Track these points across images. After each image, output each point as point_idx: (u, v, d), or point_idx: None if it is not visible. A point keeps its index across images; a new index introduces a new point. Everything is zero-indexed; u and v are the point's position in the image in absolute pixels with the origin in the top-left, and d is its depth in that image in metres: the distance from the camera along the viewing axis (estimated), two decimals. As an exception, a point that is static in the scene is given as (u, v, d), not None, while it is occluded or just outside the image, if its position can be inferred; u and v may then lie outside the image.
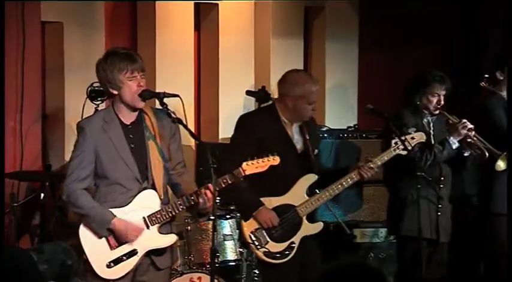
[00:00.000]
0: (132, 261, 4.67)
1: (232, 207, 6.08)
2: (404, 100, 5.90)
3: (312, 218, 5.51)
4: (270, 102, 5.83)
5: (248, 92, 6.66)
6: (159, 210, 4.71)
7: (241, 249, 5.97)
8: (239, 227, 5.98)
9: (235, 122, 7.38)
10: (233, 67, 7.34)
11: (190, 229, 5.95)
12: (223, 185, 4.77)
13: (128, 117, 4.72)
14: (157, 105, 4.85)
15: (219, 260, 5.81)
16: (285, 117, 5.48)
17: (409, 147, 5.48)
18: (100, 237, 4.66)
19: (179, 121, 4.74)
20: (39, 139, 6.55)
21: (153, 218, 4.70)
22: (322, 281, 2.83)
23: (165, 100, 4.79)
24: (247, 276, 6.04)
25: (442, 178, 5.79)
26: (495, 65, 6.20)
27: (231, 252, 5.98)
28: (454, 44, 8.04)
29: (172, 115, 4.74)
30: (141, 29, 7.06)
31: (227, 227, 5.99)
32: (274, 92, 6.48)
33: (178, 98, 4.80)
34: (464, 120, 5.79)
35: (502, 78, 6.13)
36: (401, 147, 5.47)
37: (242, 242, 5.54)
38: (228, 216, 6.00)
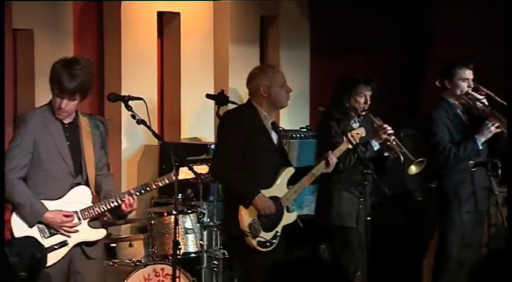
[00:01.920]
0: (63, 251, 4.66)
1: (193, 203, 6.09)
2: (333, 103, 5.90)
3: (287, 208, 5.52)
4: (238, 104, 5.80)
5: (208, 95, 6.65)
6: (91, 206, 4.70)
7: (201, 242, 5.98)
8: (200, 221, 5.99)
9: (196, 123, 7.41)
10: (194, 72, 7.33)
11: (154, 223, 5.94)
12: (161, 184, 4.79)
13: (66, 118, 4.70)
14: (123, 107, 4.85)
15: (181, 252, 5.81)
16: (264, 110, 5.40)
17: (354, 142, 5.51)
18: (31, 227, 4.61)
19: (143, 122, 4.73)
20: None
21: (85, 213, 4.69)
22: (277, 273, 2.81)
23: (130, 103, 4.79)
24: (207, 266, 6.06)
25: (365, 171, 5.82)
26: (444, 74, 6.20)
27: (192, 244, 5.98)
28: (398, 50, 8.10)
29: (137, 116, 4.74)
30: (107, 36, 7.02)
31: (188, 221, 6.00)
32: (232, 96, 6.51)
33: (142, 101, 4.81)
34: (386, 125, 5.79)
35: (449, 86, 6.12)
36: (351, 141, 5.52)
37: (235, 231, 5.33)
38: (189, 211, 6.01)
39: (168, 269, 5.67)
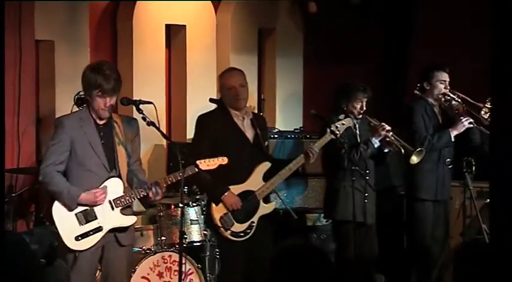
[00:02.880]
0: (98, 236, 4.77)
1: (197, 197, 6.10)
2: (333, 107, 5.96)
3: (266, 200, 5.53)
4: None
5: (211, 100, 6.65)
6: (122, 195, 4.79)
7: (205, 232, 5.99)
8: (203, 213, 6.00)
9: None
10: (198, 79, 7.35)
11: (162, 215, 5.96)
12: (175, 180, 4.84)
13: (100, 119, 4.79)
14: (134, 111, 4.87)
15: (187, 241, 5.83)
16: (231, 109, 5.45)
17: (338, 133, 5.53)
18: (70, 210, 4.72)
19: (152, 124, 4.77)
20: (34, 139, 6.52)
21: (118, 201, 4.80)
22: (273, 260, 2.83)
23: (141, 106, 4.82)
24: (210, 254, 6.07)
25: (368, 171, 5.86)
26: (422, 77, 6.28)
27: (196, 234, 5.99)
28: (381, 59, 8.12)
29: (147, 119, 4.76)
30: (120, 46, 7.04)
31: (193, 213, 6.01)
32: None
33: (152, 105, 4.82)
34: (383, 123, 5.87)
35: (428, 88, 6.22)
36: (333, 132, 5.53)
37: (211, 225, 5.49)
38: (194, 204, 6.01)
39: (175, 256, 5.70)
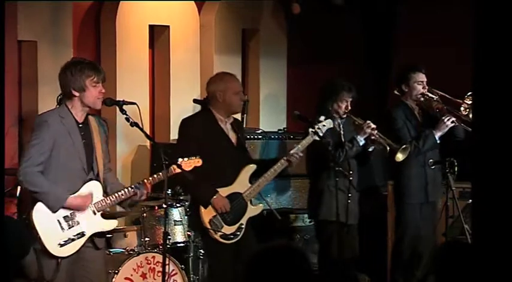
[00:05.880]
0: (81, 241, 4.66)
1: (181, 198, 6.08)
2: (318, 106, 5.96)
3: (252, 202, 5.53)
4: None
5: (195, 100, 6.66)
6: (103, 199, 4.71)
7: (189, 233, 5.98)
8: (187, 214, 5.99)
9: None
10: (182, 79, 7.33)
11: (146, 216, 5.93)
12: (157, 180, 4.78)
13: (81, 117, 4.71)
14: (118, 111, 4.85)
15: (170, 241, 5.81)
16: (219, 114, 5.40)
17: (321, 134, 5.53)
18: (53, 212, 4.58)
19: (136, 124, 4.73)
20: (16, 140, 6.47)
21: (99, 205, 4.70)
22: (254, 260, 2.82)
23: (124, 107, 4.78)
24: (193, 255, 6.06)
25: (351, 172, 5.86)
26: (400, 79, 6.30)
27: (180, 235, 5.97)
28: (364, 59, 8.14)
29: (130, 119, 4.74)
30: (104, 47, 7.01)
31: (177, 214, 5.99)
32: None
33: (135, 105, 4.80)
34: (368, 121, 5.86)
35: (406, 90, 6.23)
36: (317, 133, 5.54)
37: (198, 227, 5.44)
38: (177, 205, 6.00)
39: (159, 257, 5.67)
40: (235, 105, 5.45)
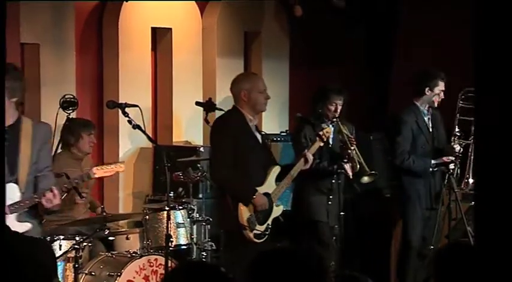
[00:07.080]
0: None
1: (184, 200, 6.08)
2: (311, 109, 5.97)
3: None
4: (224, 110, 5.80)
5: (197, 103, 6.65)
6: (17, 201, 4.62)
7: (191, 235, 5.97)
8: (190, 216, 5.98)
9: (186, 127, 7.41)
10: (184, 82, 7.33)
11: (148, 218, 5.93)
12: (69, 187, 4.68)
13: (6, 120, 4.51)
14: (120, 114, 4.85)
15: (173, 244, 5.81)
16: (247, 113, 5.43)
17: (325, 139, 5.61)
18: None
19: (138, 127, 4.73)
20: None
21: (12, 208, 4.62)
22: (254, 263, 2.80)
23: (127, 109, 4.79)
24: (196, 257, 6.05)
25: (339, 171, 5.84)
26: (426, 81, 6.11)
27: (183, 237, 5.97)
28: (365, 60, 8.15)
29: (133, 122, 4.74)
30: (106, 49, 7.02)
31: (180, 216, 5.98)
32: (219, 103, 6.51)
33: (138, 108, 4.80)
34: (352, 138, 5.82)
35: (427, 94, 6.11)
36: (323, 139, 5.57)
37: (229, 226, 5.40)
38: (180, 207, 6.00)
39: (161, 260, 5.66)
40: (260, 103, 5.46)
